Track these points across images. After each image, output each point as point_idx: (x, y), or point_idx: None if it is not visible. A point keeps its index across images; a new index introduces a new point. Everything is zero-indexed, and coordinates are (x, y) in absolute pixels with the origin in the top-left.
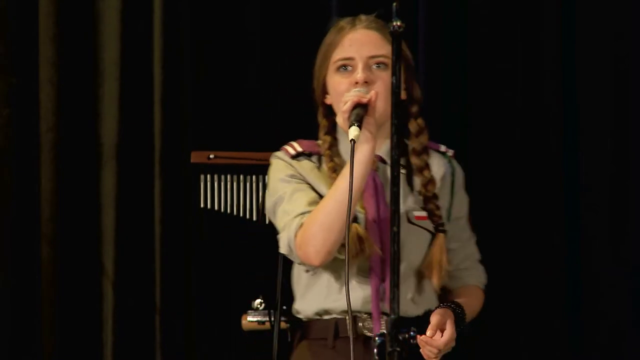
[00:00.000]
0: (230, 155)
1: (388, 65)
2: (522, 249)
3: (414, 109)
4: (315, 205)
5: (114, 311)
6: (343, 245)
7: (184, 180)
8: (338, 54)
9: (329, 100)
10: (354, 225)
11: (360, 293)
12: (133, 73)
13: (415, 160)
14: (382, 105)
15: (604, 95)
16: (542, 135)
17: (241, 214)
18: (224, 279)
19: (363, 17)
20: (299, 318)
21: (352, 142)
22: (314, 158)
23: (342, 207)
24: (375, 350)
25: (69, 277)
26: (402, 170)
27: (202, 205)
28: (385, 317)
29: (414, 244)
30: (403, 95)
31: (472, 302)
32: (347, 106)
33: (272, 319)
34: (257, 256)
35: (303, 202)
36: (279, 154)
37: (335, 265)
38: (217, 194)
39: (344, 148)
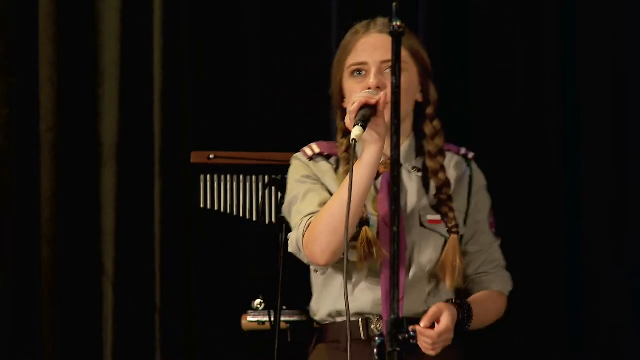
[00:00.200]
0: (230, 155)
1: (403, 69)
2: (522, 249)
3: (430, 110)
4: None
5: (114, 311)
6: (353, 246)
7: (184, 180)
8: (352, 59)
9: (346, 104)
10: (364, 227)
11: (370, 295)
12: (133, 73)
13: (430, 163)
14: None
15: (604, 95)
16: (542, 135)
17: (241, 214)
18: (224, 279)
19: (379, 20)
20: (314, 320)
21: (354, 141)
22: (332, 160)
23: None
24: (375, 350)
25: (69, 277)
26: (418, 173)
27: (202, 206)
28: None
29: (426, 247)
30: (419, 97)
31: (486, 305)
32: (354, 107)
33: (272, 319)
34: (257, 256)
35: (314, 203)
36: (298, 155)
37: (348, 266)
38: (217, 194)
39: (360, 151)
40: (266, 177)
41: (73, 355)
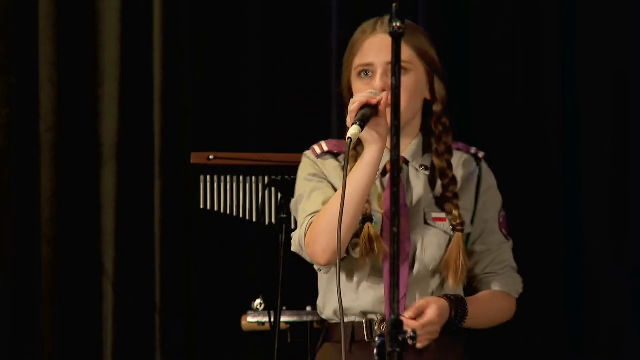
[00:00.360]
0: (230, 156)
1: (408, 70)
2: (522, 249)
3: (437, 108)
4: None
5: (114, 311)
6: (356, 243)
7: (184, 180)
8: (358, 60)
9: None
10: (367, 224)
11: (372, 294)
12: (133, 73)
13: (437, 161)
14: (401, 107)
15: (604, 95)
16: (542, 135)
17: (241, 215)
18: (224, 279)
19: (387, 19)
20: (323, 319)
21: (349, 140)
22: (341, 157)
23: (348, 207)
24: (375, 351)
25: (69, 277)
26: (426, 171)
27: (202, 206)
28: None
29: (430, 245)
30: (427, 95)
31: (486, 305)
32: (354, 106)
33: (272, 319)
34: (257, 256)
35: (318, 201)
36: (307, 152)
37: (351, 265)
38: (217, 195)
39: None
40: (266, 178)
41: (73, 355)
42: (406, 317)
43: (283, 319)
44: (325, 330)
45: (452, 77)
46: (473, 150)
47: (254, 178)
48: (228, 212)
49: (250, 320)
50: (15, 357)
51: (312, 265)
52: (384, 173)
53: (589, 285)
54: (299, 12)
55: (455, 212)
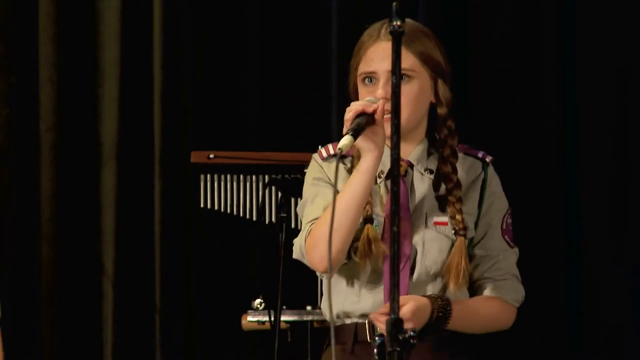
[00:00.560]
0: (230, 155)
1: (411, 77)
2: (522, 249)
3: (442, 111)
4: None
5: (114, 311)
6: (356, 247)
7: (184, 180)
8: (362, 67)
9: None
10: (367, 225)
11: (373, 297)
12: (133, 73)
13: (442, 165)
14: (404, 114)
15: (604, 95)
16: (542, 135)
17: (241, 214)
18: (224, 279)
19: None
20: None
21: (339, 151)
22: (347, 160)
23: (345, 215)
24: (375, 350)
25: (69, 277)
26: (430, 175)
27: (202, 205)
28: None
29: (431, 249)
30: (433, 99)
31: (475, 309)
32: (349, 115)
33: (272, 319)
34: (257, 256)
35: (320, 207)
36: (315, 155)
37: (353, 268)
38: (217, 194)
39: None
40: (266, 177)
41: (73, 355)
42: (380, 311)
43: (283, 318)
44: (329, 331)
45: (452, 76)
46: (480, 154)
47: (254, 177)
48: (228, 211)
49: (251, 319)
50: (15, 357)
51: None
52: (388, 177)
53: (589, 285)
54: (299, 12)
55: (458, 217)
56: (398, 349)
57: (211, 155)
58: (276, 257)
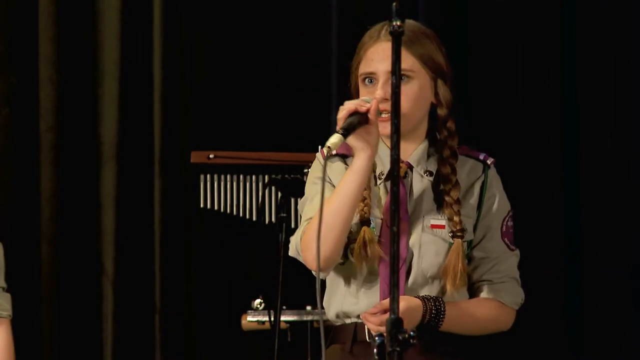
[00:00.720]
0: (230, 155)
1: (411, 77)
2: (522, 250)
3: (442, 112)
4: None
5: (114, 311)
6: (352, 248)
7: (184, 180)
8: (362, 67)
9: None
10: (364, 227)
11: (369, 297)
12: (133, 73)
13: (441, 166)
14: (403, 114)
15: (604, 95)
16: (542, 135)
17: (241, 214)
18: (224, 279)
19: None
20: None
21: (328, 149)
22: (349, 160)
23: (337, 215)
24: (375, 350)
25: (69, 277)
26: (430, 177)
27: (202, 205)
28: None
29: (427, 252)
30: (433, 100)
31: (471, 310)
32: (342, 114)
33: (272, 319)
34: (257, 256)
35: (318, 206)
36: (317, 154)
37: (351, 269)
38: (217, 194)
39: (377, 153)
40: (266, 177)
41: (73, 355)
42: (369, 311)
43: (283, 318)
44: (332, 331)
45: (453, 77)
46: (482, 156)
47: (254, 177)
48: (228, 211)
49: (250, 319)
50: (15, 357)
51: None
52: (387, 178)
53: (589, 285)
54: (299, 12)
55: (455, 218)
56: (398, 349)
57: (211, 155)
58: (276, 257)
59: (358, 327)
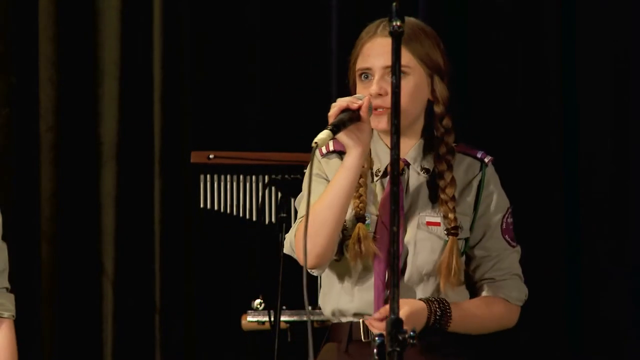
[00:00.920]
0: (230, 155)
1: (407, 73)
2: (522, 250)
3: (438, 109)
4: None
5: (114, 311)
6: (347, 245)
7: (184, 180)
8: (359, 63)
9: None
10: (359, 224)
11: (364, 296)
12: (133, 73)
13: (437, 163)
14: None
15: (604, 95)
16: (542, 135)
17: (241, 214)
18: (224, 279)
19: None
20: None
21: (315, 144)
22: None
23: (329, 211)
24: (375, 350)
25: (69, 277)
26: (426, 175)
27: (202, 206)
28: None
29: (422, 249)
30: (430, 97)
31: (476, 310)
32: (333, 111)
33: (272, 319)
34: (257, 256)
35: (311, 204)
36: (316, 151)
37: (346, 266)
38: (217, 194)
39: (374, 150)
40: (266, 177)
41: (73, 355)
42: (374, 317)
43: (283, 318)
44: (329, 329)
45: (452, 76)
46: (479, 154)
47: (254, 177)
48: (228, 211)
49: (250, 319)
50: (17, 357)
51: None
52: (385, 174)
53: (589, 285)
54: (299, 12)
55: (450, 215)
56: (398, 349)
57: (211, 156)
58: (276, 257)
59: (354, 326)
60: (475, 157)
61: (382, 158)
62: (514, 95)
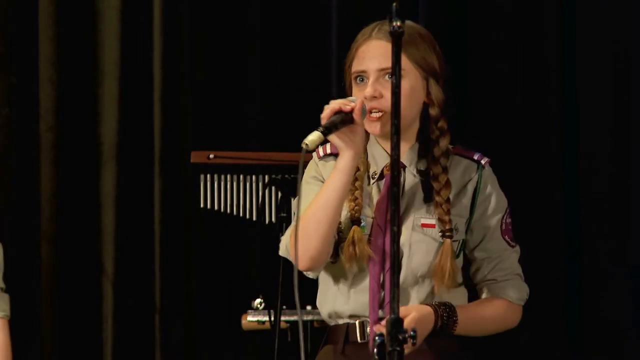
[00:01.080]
0: (230, 155)
1: (402, 76)
2: (522, 250)
3: (434, 112)
4: None
5: (114, 311)
6: (342, 248)
7: (184, 180)
8: (354, 66)
9: None
10: (354, 227)
11: (359, 298)
12: (133, 73)
13: (432, 165)
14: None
15: (604, 95)
16: (542, 135)
17: (241, 214)
18: (224, 279)
19: (387, 24)
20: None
21: (305, 145)
22: None
23: (322, 213)
24: (375, 350)
25: (69, 277)
26: (421, 177)
27: (202, 205)
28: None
29: (417, 251)
30: (425, 99)
31: (481, 312)
32: (325, 113)
33: (272, 319)
34: (257, 256)
35: (306, 206)
36: (313, 153)
37: (342, 268)
38: (217, 194)
39: (370, 153)
40: (266, 177)
41: (73, 355)
42: (382, 324)
43: (283, 318)
44: (326, 331)
45: (452, 77)
46: (476, 156)
47: (254, 177)
48: (228, 211)
49: (251, 319)
50: (15, 357)
51: None
52: (381, 177)
53: (589, 285)
54: (299, 12)
55: (445, 218)
56: (398, 349)
57: (211, 155)
58: (276, 257)
59: (350, 328)
60: (472, 159)
61: (378, 161)
62: (514, 95)
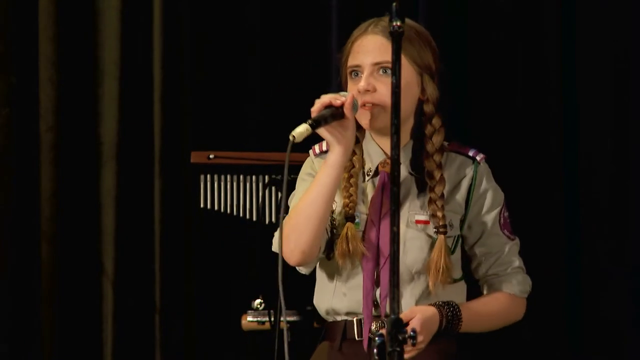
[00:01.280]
0: (230, 155)
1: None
2: (522, 249)
3: (428, 108)
4: None
5: (114, 311)
6: (336, 244)
7: (184, 180)
8: (349, 61)
9: None
10: (347, 224)
11: (355, 295)
12: (133, 73)
13: (427, 161)
14: (387, 105)
15: (604, 95)
16: (542, 135)
17: (241, 214)
18: (224, 279)
19: (382, 21)
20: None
21: (292, 138)
22: None
23: (312, 208)
24: (375, 350)
25: (69, 277)
26: (415, 174)
27: (202, 205)
28: (377, 320)
29: (411, 248)
30: (420, 96)
31: (485, 308)
32: (315, 107)
33: (272, 319)
34: (257, 256)
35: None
36: (310, 151)
37: (337, 265)
38: (217, 194)
39: (366, 150)
40: (266, 177)
41: (73, 355)
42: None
43: (283, 318)
44: (324, 327)
45: (452, 77)
46: (471, 152)
47: (254, 177)
48: (228, 211)
49: (250, 319)
50: (15, 357)
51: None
52: (375, 173)
53: (589, 285)
54: (299, 12)
55: (439, 214)
56: (398, 348)
57: (211, 156)
58: (276, 257)
59: (347, 325)
60: (467, 156)
61: (373, 158)
62: (514, 95)
